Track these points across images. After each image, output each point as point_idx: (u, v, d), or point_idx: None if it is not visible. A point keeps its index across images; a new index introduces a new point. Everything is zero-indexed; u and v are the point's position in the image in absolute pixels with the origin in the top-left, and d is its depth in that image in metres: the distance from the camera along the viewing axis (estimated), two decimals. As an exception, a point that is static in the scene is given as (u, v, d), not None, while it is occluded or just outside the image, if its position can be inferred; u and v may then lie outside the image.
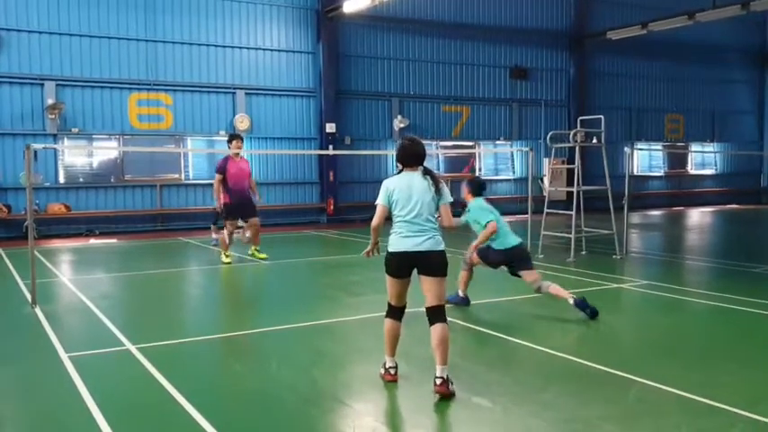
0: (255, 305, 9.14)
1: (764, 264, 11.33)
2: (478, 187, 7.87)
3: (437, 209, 5.19)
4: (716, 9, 19.28)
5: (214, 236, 13.90)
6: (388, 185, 5.14)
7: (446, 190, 5.21)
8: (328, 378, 5.45)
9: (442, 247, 5.13)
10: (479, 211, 7.60)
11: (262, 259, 11.78)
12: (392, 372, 5.25)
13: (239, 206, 11.44)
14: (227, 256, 11.57)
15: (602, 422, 4.45)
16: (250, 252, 12.10)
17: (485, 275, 10.88)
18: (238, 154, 11.50)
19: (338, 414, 4.75)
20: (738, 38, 27.70)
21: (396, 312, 5.24)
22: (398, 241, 5.09)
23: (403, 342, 6.47)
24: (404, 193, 5.05)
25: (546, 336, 6.64)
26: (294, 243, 15.14)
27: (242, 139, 11.86)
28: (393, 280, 5.18)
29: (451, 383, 4.93)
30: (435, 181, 5.15)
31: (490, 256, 7.78)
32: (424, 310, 5.13)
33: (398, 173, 5.21)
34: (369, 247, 5.45)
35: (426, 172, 5.15)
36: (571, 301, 7.29)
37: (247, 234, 12.08)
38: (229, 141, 11.58)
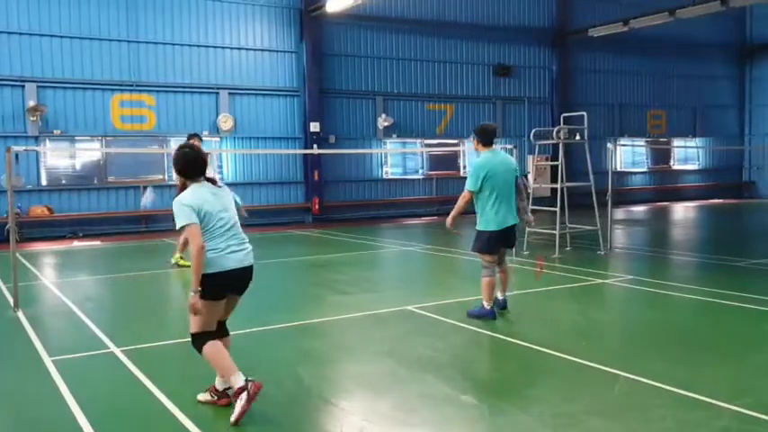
0: (241, 306, 9.08)
1: (747, 257, 11.45)
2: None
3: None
4: (696, 6, 19.43)
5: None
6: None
7: None
8: (315, 377, 5.43)
9: None
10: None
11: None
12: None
13: None
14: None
15: (588, 416, 4.48)
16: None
17: (470, 270, 10.89)
18: None
19: (325, 413, 4.74)
20: (719, 34, 27.94)
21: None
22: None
23: (389, 341, 6.47)
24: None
25: (531, 332, 6.67)
26: (279, 243, 15.10)
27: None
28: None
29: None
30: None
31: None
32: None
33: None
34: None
35: None
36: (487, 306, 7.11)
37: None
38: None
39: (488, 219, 6.95)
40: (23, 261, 12.03)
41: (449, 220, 7.22)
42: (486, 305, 7.09)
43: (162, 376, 5.46)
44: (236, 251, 4.62)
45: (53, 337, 7.09)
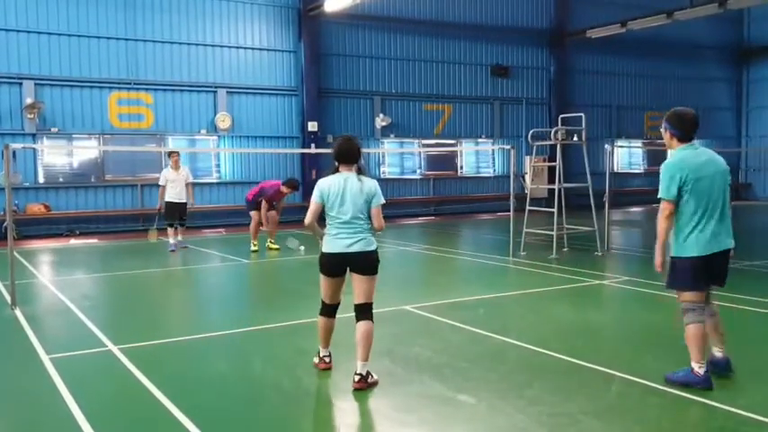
0: (237, 305, 9.11)
1: (742, 259, 11.47)
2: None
3: None
4: (694, 8, 19.49)
5: (172, 240, 13.40)
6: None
7: None
8: (312, 377, 5.44)
9: None
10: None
11: (274, 249, 13.16)
12: (327, 360, 5.54)
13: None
14: (254, 245, 12.96)
15: (585, 416, 4.50)
16: (266, 245, 13.31)
17: (468, 270, 10.92)
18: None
19: (323, 413, 4.75)
20: (716, 36, 28.01)
21: None
22: None
23: (387, 341, 6.49)
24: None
25: (529, 332, 6.69)
26: (276, 242, 15.07)
27: None
28: None
29: (371, 376, 5.09)
30: None
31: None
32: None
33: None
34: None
35: None
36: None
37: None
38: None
39: (688, 240, 4.97)
40: (21, 259, 12.01)
41: (657, 259, 5.08)
42: (698, 367, 4.93)
43: (159, 374, 5.46)
44: (343, 238, 5.14)
45: (51, 335, 7.09)
